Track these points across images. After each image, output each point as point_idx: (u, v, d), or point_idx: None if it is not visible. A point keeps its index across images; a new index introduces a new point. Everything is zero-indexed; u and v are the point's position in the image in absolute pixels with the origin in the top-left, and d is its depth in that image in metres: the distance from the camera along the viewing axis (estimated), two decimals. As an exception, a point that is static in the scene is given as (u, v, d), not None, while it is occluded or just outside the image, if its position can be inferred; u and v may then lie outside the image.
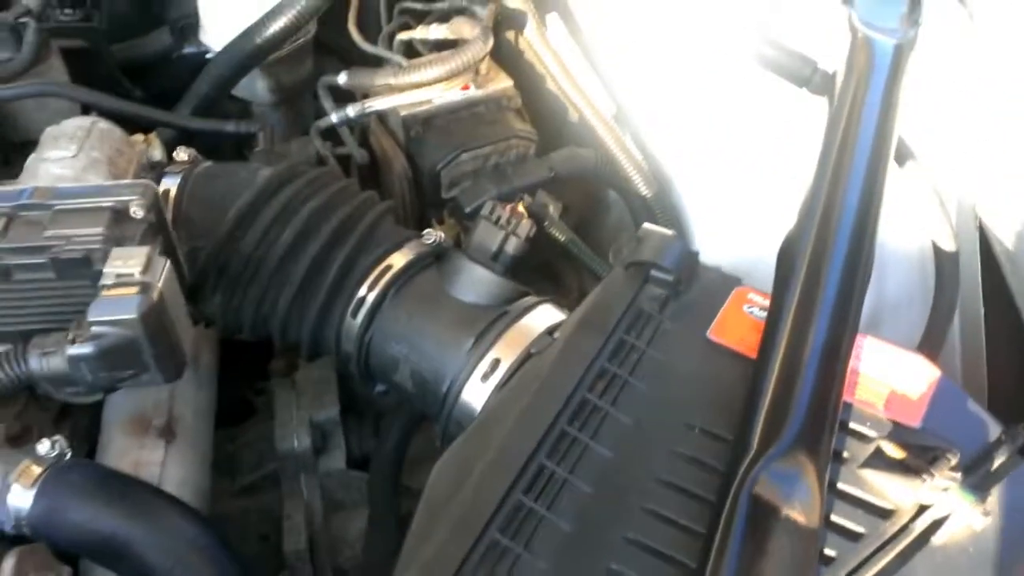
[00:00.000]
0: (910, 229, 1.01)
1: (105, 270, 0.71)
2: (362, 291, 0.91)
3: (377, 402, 1.18)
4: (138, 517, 0.75)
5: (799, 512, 0.59)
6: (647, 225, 0.87)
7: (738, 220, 1.06)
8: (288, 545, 1.05)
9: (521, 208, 0.96)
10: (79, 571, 0.84)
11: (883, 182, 0.78)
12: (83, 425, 0.98)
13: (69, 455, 0.78)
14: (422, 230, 0.96)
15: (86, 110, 1.04)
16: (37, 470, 0.75)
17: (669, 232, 0.86)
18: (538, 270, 1.22)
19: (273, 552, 1.07)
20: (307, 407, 1.13)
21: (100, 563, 0.80)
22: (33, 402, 0.90)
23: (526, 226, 0.93)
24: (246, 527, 1.11)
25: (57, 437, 0.78)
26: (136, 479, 0.83)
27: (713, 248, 1.05)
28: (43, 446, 0.77)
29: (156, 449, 0.94)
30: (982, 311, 1.03)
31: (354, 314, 0.91)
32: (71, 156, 0.84)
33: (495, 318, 0.88)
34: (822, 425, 0.64)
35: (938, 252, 0.96)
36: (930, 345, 0.95)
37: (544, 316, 0.89)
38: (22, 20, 1.06)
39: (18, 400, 0.88)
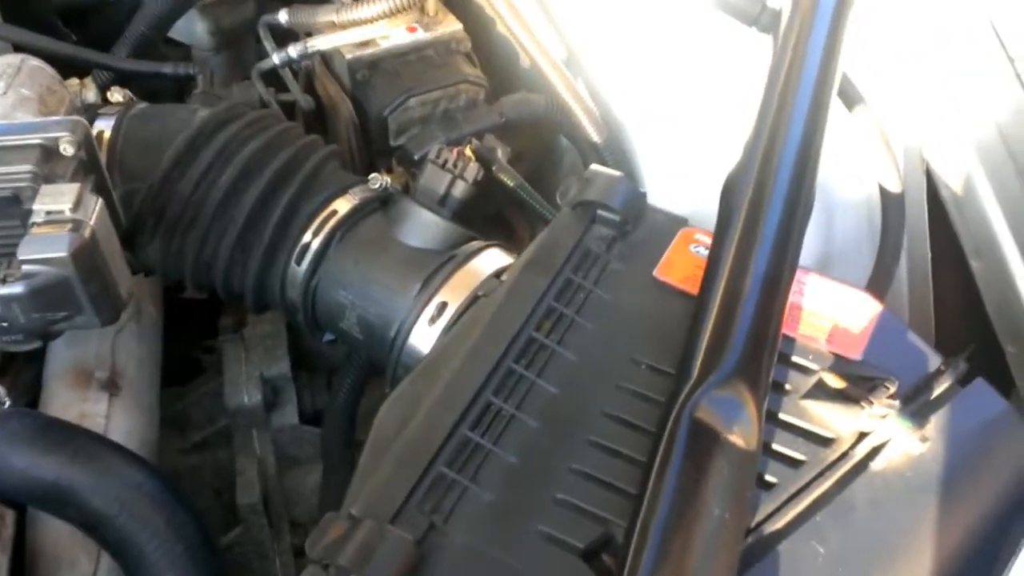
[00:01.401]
0: (858, 173, 1.02)
1: (34, 207, 0.69)
2: (307, 237, 0.90)
3: (328, 357, 1.18)
4: (81, 463, 0.75)
5: (738, 436, 0.59)
6: (595, 166, 0.87)
7: (687, 163, 1.06)
8: (241, 499, 1.04)
9: (468, 152, 0.95)
10: (25, 520, 0.83)
11: (825, 122, 0.79)
12: (25, 379, 0.96)
13: (8, 404, 0.77)
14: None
15: (18, 52, 1.01)
16: None
17: (616, 173, 0.86)
18: (490, 220, 1.21)
19: (227, 507, 1.07)
20: (257, 362, 1.12)
21: (45, 510, 0.79)
22: (-30, 355, 0.89)
23: (473, 169, 0.92)
24: (198, 483, 1.11)
25: (-4, 386, 0.77)
26: (78, 427, 0.82)
27: (663, 191, 1.05)
28: None
29: (100, 402, 0.92)
30: (929, 254, 1.05)
31: (299, 261, 0.90)
32: (0, 94, 0.81)
33: (442, 262, 0.87)
34: (761, 354, 0.64)
35: (884, 195, 0.97)
36: (877, 285, 0.96)
37: (491, 260, 0.88)
38: (-48, -40, 1.02)
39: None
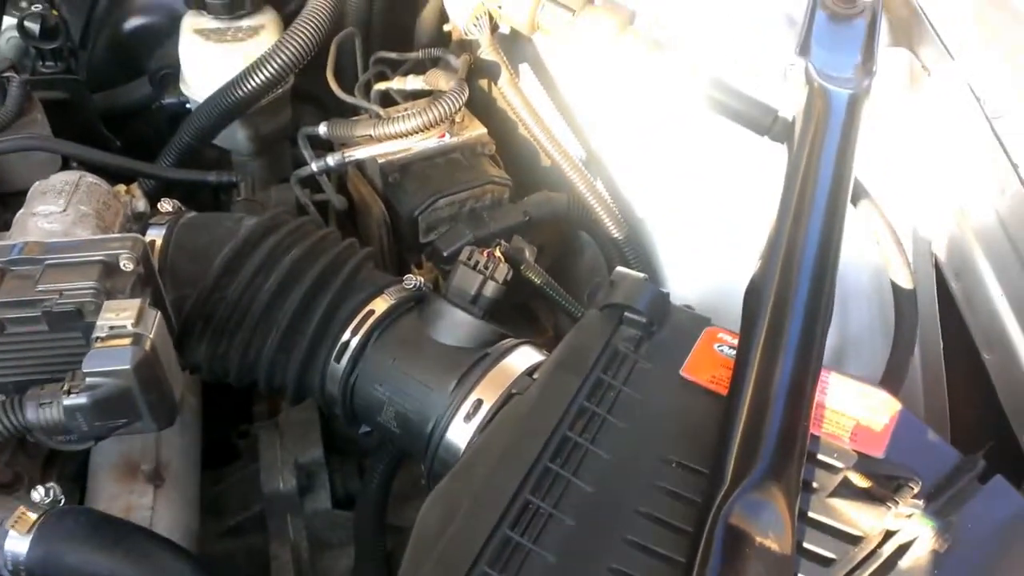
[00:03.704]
0: (869, 267, 1.06)
1: (98, 322, 0.73)
2: (346, 335, 0.94)
3: (360, 442, 1.21)
4: (133, 560, 0.77)
5: (772, 540, 0.62)
6: (620, 269, 0.91)
7: (705, 261, 1.10)
8: (275, 584, 1.06)
9: (498, 253, 0.99)
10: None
11: (841, 225, 0.83)
12: (70, 471, 0.99)
13: (63, 501, 0.80)
14: (401, 275, 0.99)
15: (67, 161, 1.07)
16: (32, 516, 0.77)
17: (641, 275, 0.90)
18: (515, 310, 1.25)
19: (262, 593, 1.09)
20: (291, 448, 1.15)
21: None
22: (21, 450, 0.92)
23: (503, 270, 0.96)
24: (233, 568, 1.13)
25: (51, 484, 0.80)
26: (129, 523, 0.85)
27: (682, 288, 1.10)
28: (37, 493, 0.79)
29: (145, 494, 0.96)
30: (941, 346, 1.08)
31: (338, 358, 0.94)
32: (60, 211, 0.86)
33: (476, 360, 0.91)
34: (791, 457, 0.67)
35: (896, 289, 1.01)
36: (892, 378, 0.99)
37: (523, 357, 0.92)
38: (6, 74, 1.09)
39: (7, 448, 0.89)
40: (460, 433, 0.87)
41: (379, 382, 0.93)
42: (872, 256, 1.05)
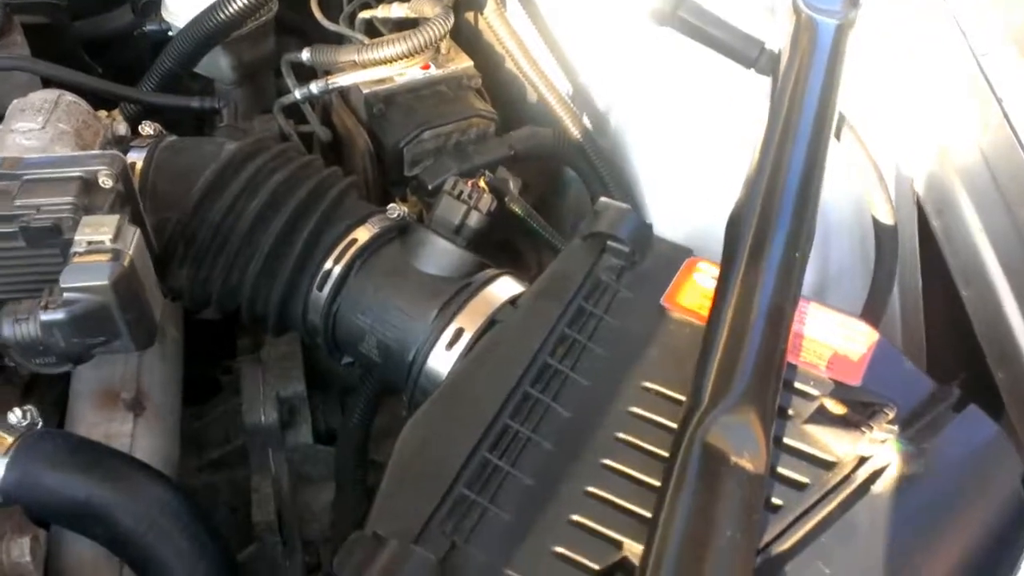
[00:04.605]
0: (850, 203, 1.06)
1: (76, 237, 0.73)
2: (328, 264, 0.93)
3: (342, 378, 1.21)
4: (112, 483, 0.77)
5: (747, 460, 0.63)
6: (604, 199, 0.91)
7: (688, 195, 1.10)
8: (257, 516, 1.07)
9: (482, 183, 0.98)
10: (49, 539, 0.85)
11: (824, 158, 0.83)
12: (50, 398, 0.99)
13: (40, 424, 0.80)
14: (385, 206, 0.99)
15: (47, 85, 1.05)
16: (9, 439, 0.76)
17: (624, 206, 0.90)
18: (499, 247, 1.25)
19: (242, 524, 1.09)
20: (273, 382, 1.15)
21: (74, 529, 0.81)
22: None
23: (487, 200, 0.96)
24: (214, 500, 1.14)
25: (28, 407, 0.80)
26: (107, 447, 0.85)
27: (666, 221, 1.09)
28: (14, 415, 0.79)
29: (125, 422, 0.95)
30: (920, 283, 1.09)
31: (320, 287, 0.93)
32: (39, 128, 0.85)
33: (458, 289, 0.91)
34: (768, 380, 0.68)
35: (878, 226, 1.01)
36: (871, 313, 0.99)
37: (505, 287, 0.92)
38: (-15, -3, 1.06)
39: (-16, 374, 0.89)
40: (441, 361, 0.88)
41: (361, 311, 0.92)
42: (854, 191, 1.05)
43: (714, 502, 0.61)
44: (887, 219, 1.01)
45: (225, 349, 1.25)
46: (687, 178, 1.10)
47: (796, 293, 0.74)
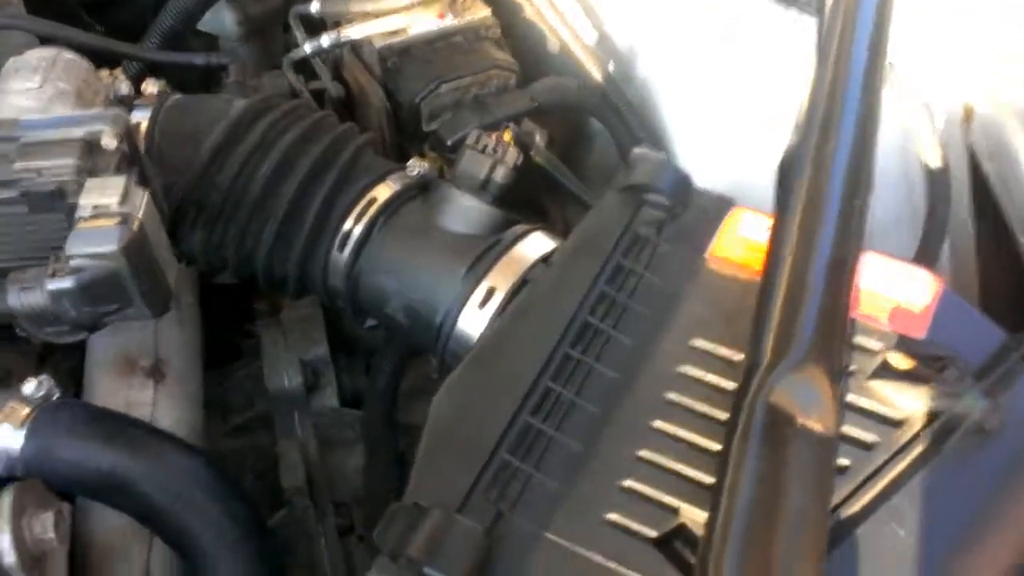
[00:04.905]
0: (897, 150, 1.01)
1: (81, 202, 0.68)
2: (347, 224, 0.88)
3: (366, 340, 1.17)
4: (135, 452, 0.74)
5: (815, 421, 0.58)
6: (639, 149, 0.85)
7: (723, 144, 1.05)
8: (286, 482, 1.05)
9: (507, 136, 0.93)
10: (75, 510, 0.82)
11: (880, 98, 0.77)
12: (66, 368, 0.95)
13: (57, 394, 0.76)
14: (403, 164, 0.94)
15: (45, 44, 0.99)
16: (25, 410, 0.73)
17: (662, 155, 0.84)
18: (522, 204, 1.20)
19: (271, 489, 1.07)
20: (295, 346, 1.12)
21: (99, 500, 0.78)
22: (12, 346, 0.87)
23: (513, 154, 0.91)
24: (240, 466, 1.11)
25: (43, 376, 0.76)
26: (128, 416, 0.81)
27: (699, 173, 1.04)
28: (29, 386, 0.75)
29: (145, 390, 0.92)
30: (972, 231, 1.03)
31: (340, 248, 0.89)
32: (36, 87, 0.80)
33: (487, 247, 0.86)
34: (833, 335, 0.63)
35: (928, 171, 0.96)
36: (924, 260, 0.94)
37: (537, 244, 0.87)
38: (-21, -47, 1.01)
39: (-4, 344, 0.85)
40: (472, 322, 0.83)
41: (384, 272, 0.88)
42: (900, 136, 0.99)
43: (782, 467, 0.56)
44: (937, 164, 0.96)
45: (243, 312, 1.21)
46: (721, 127, 1.04)
47: (859, 239, 0.68)
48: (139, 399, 0.88)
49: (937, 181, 0.95)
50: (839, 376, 0.62)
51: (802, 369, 0.61)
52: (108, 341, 0.91)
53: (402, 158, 1.13)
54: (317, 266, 0.89)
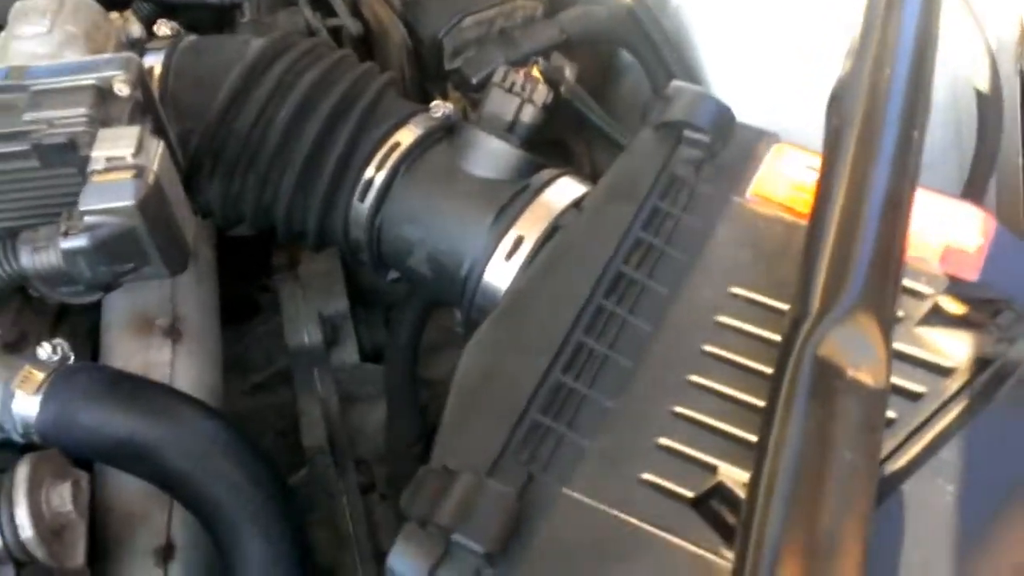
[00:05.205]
0: (947, 77, 0.95)
1: (93, 154, 0.65)
2: (369, 172, 0.85)
3: (385, 293, 1.15)
4: (154, 417, 0.72)
5: (866, 373, 0.54)
6: (677, 82, 0.81)
7: (765, 77, 0.99)
8: (307, 440, 1.02)
9: (535, 73, 0.89)
10: (93, 475, 0.81)
11: (938, 21, 0.72)
12: (83, 329, 0.93)
13: (72, 358, 0.74)
14: (426, 104, 0.90)
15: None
16: (40, 375, 0.71)
17: (701, 89, 0.80)
18: (548, 146, 1.15)
19: (292, 448, 1.05)
20: (314, 300, 1.09)
21: (117, 467, 0.77)
22: (28, 307, 0.86)
23: (542, 92, 0.87)
24: (262, 425, 1.09)
25: (58, 340, 0.74)
26: (147, 380, 0.80)
27: (735, 105, 0.99)
28: (43, 350, 0.73)
29: (163, 349, 0.90)
30: (1021, 160, 0.98)
31: (362, 197, 0.85)
32: (45, 32, 0.76)
33: (515, 193, 0.82)
34: (885, 283, 0.59)
35: (980, 98, 0.90)
36: (972, 195, 0.90)
37: (567, 189, 0.83)
38: None
39: (11, 305, 0.83)
40: (500, 274, 0.80)
41: (408, 221, 0.85)
42: (950, 63, 0.93)
43: (830, 421, 0.53)
44: (989, 89, 0.90)
45: (261, 266, 1.19)
46: (763, 58, 0.99)
47: (914, 177, 0.64)
48: (157, 360, 0.86)
49: (989, 109, 0.90)
50: (892, 325, 0.59)
51: (853, 319, 0.57)
52: (124, 300, 0.90)
53: (425, 99, 1.09)
54: (338, 217, 0.86)
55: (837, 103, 0.68)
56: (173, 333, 0.91)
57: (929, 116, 0.67)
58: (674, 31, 1.05)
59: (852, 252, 0.59)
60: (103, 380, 0.74)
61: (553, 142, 1.17)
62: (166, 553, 0.80)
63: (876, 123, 0.64)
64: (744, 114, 0.91)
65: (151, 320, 0.91)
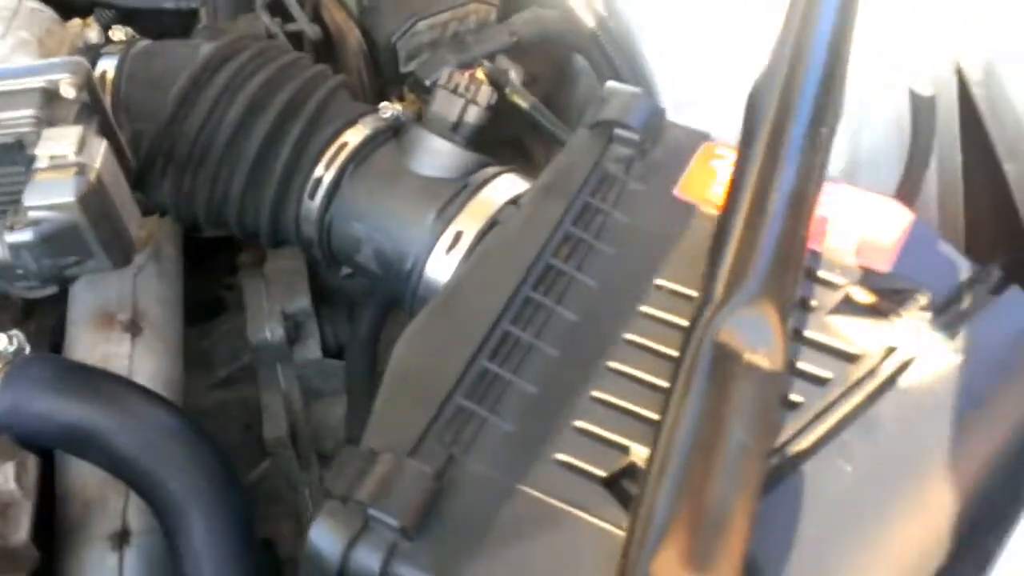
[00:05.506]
0: (884, 77, 0.98)
1: (38, 152, 0.68)
2: (319, 170, 0.88)
3: (349, 292, 1.17)
4: (103, 405, 0.75)
5: (763, 357, 0.57)
6: (611, 83, 0.84)
7: (707, 77, 1.02)
8: (268, 433, 1.05)
9: (480, 75, 0.92)
10: (55, 463, 0.84)
11: (853, 24, 0.75)
12: (48, 324, 0.97)
13: (28, 349, 0.77)
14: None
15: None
16: None
17: (634, 89, 0.83)
18: (507, 145, 1.18)
19: (256, 441, 1.07)
20: (277, 298, 1.11)
21: (69, 452, 0.79)
22: (-8, 302, 0.89)
23: (486, 93, 0.90)
24: (227, 418, 1.11)
25: (14, 332, 0.77)
26: (99, 369, 0.82)
27: (682, 107, 1.02)
28: (1, 341, 0.76)
29: (122, 343, 0.93)
30: (960, 157, 1.01)
31: (312, 195, 0.89)
32: (-1, 38, 0.80)
33: (457, 190, 0.85)
34: (787, 272, 0.62)
35: (914, 97, 0.93)
36: (906, 193, 0.92)
37: (507, 185, 0.86)
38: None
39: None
40: (440, 267, 0.83)
41: (355, 219, 0.88)
42: (887, 63, 0.96)
43: (724, 403, 0.56)
44: (924, 90, 0.93)
45: (230, 267, 1.22)
46: (705, 60, 1.02)
47: (821, 173, 0.67)
48: (116, 352, 0.89)
49: (923, 107, 0.92)
50: (791, 312, 0.62)
51: (753, 306, 0.60)
52: (88, 296, 0.93)
53: (382, 100, 1.12)
54: (289, 215, 0.90)
55: (753, 101, 0.71)
56: (133, 328, 0.94)
57: (840, 116, 0.70)
58: (624, 33, 1.08)
59: (756, 244, 0.62)
60: (55, 369, 0.77)
61: (510, 141, 1.20)
62: (122, 538, 0.83)
63: (786, 121, 0.67)
64: (692, 115, 0.95)
65: (112, 315, 0.94)
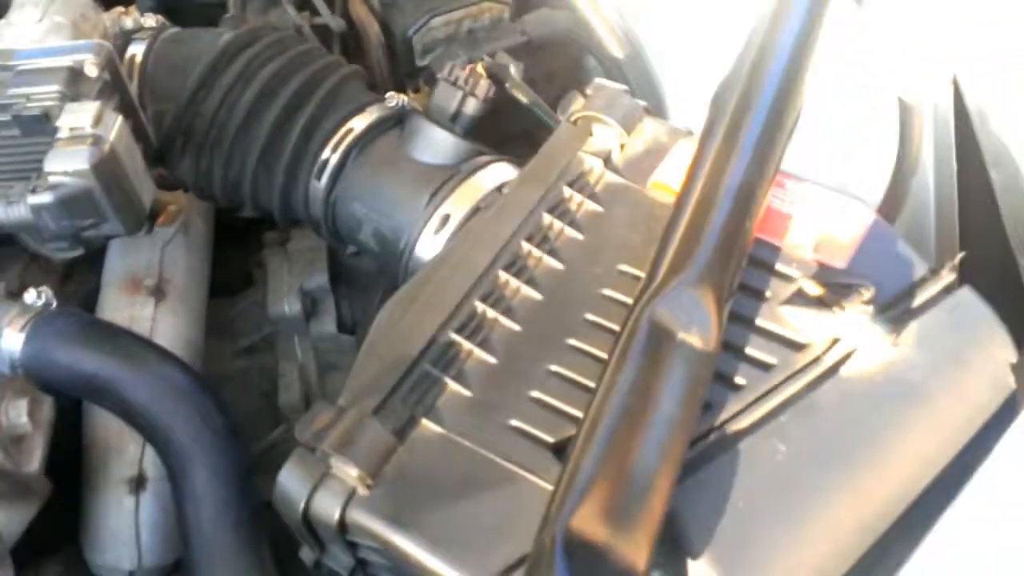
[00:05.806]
0: (884, 91, 1.00)
1: (59, 124, 0.75)
2: (326, 153, 0.94)
3: (366, 273, 1.23)
4: (118, 358, 0.82)
5: (695, 337, 0.61)
6: (599, 80, 0.88)
7: (709, 77, 1.05)
8: (283, 398, 1.12)
9: (480, 68, 0.96)
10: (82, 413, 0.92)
11: (819, 32, 0.77)
12: (87, 287, 1.05)
13: (55, 304, 0.84)
14: (392, 96, 0.98)
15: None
16: (25, 317, 0.81)
17: (619, 86, 0.87)
18: (517, 138, 1.23)
19: (274, 408, 1.14)
20: (297, 275, 1.18)
21: (87, 399, 0.87)
22: (35, 264, 0.97)
23: (484, 86, 0.94)
24: (248, 385, 1.18)
25: (43, 288, 0.84)
26: (118, 326, 0.90)
27: (685, 106, 1.05)
28: (30, 295, 0.83)
29: (147, 306, 1.01)
30: (955, 165, 1.02)
31: (319, 176, 0.95)
32: (36, 21, 0.88)
33: (449, 176, 0.90)
34: (727, 260, 0.65)
35: (901, 104, 0.95)
36: (893, 196, 0.94)
37: (497, 173, 0.91)
38: None
39: (20, 261, 0.94)
40: (428, 247, 0.88)
41: (357, 200, 0.93)
42: (884, 76, 0.98)
43: (655, 377, 0.60)
44: (910, 98, 0.95)
45: (261, 244, 1.29)
46: (707, 59, 1.05)
47: (771, 171, 0.70)
48: (141, 315, 0.97)
49: (908, 114, 0.94)
50: (729, 298, 0.65)
51: (692, 289, 0.64)
52: (119, 262, 1.02)
53: (401, 92, 1.18)
54: (299, 193, 0.96)
55: (717, 100, 0.74)
56: (157, 292, 1.02)
57: (799, 118, 0.73)
58: (632, 31, 1.12)
59: (701, 231, 0.66)
60: (78, 324, 0.84)
61: (521, 135, 1.24)
62: (138, 483, 0.91)
63: (744, 119, 0.70)
64: (696, 111, 0.98)
65: (140, 280, 1.02)
